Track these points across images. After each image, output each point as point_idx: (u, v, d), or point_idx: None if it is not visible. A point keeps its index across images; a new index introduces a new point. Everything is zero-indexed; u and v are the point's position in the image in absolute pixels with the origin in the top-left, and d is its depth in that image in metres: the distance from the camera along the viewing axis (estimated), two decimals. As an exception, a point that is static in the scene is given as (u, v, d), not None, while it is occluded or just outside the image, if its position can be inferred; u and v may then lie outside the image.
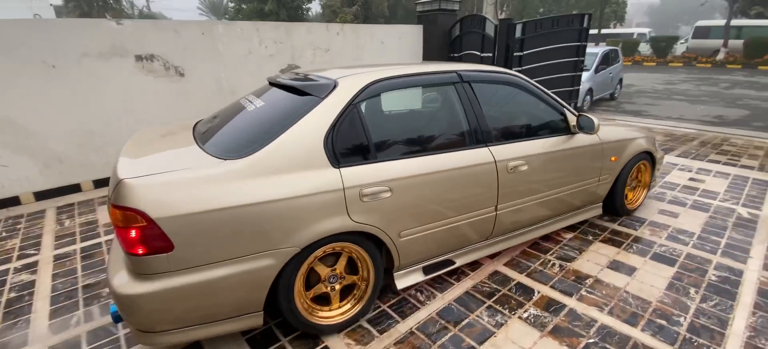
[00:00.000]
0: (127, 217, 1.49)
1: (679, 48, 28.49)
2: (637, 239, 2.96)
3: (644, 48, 27.67)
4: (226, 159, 1.71)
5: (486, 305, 2.27)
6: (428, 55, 7.31)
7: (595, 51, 10.02)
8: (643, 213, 3.40)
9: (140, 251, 1.51)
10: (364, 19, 25.32)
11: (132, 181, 1.51)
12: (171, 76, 4.66)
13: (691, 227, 3.13)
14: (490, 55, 6.36)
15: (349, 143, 1.92)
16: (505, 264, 2.67)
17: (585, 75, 9.02)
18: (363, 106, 2.00)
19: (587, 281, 2.46)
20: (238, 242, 1.64)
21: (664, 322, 2.08)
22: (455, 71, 2.36)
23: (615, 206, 3.19)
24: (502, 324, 2.10)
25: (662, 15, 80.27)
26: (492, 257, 2.75)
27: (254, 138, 1.82)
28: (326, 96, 1.92)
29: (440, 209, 2.16)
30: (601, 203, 3.19)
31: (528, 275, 2.54)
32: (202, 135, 2.08)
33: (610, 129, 3.00)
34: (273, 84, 2.38)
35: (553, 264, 2.66)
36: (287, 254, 1.74)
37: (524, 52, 6.23)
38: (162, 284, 1.55)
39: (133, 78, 4.43)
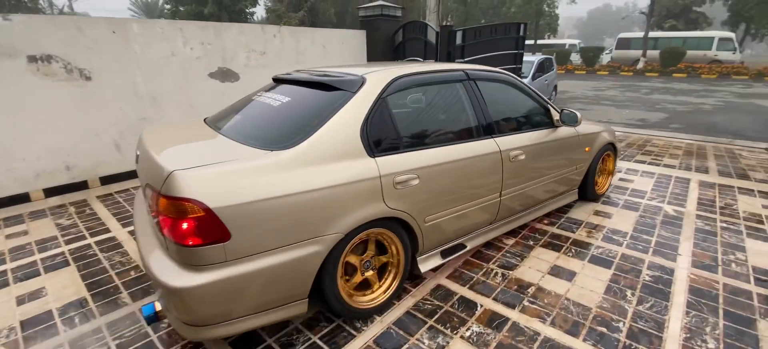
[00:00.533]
0: (180, 208, 1.48)
1: (605, 58, 31.16)
2: (575, 242, 2.96)
3: (575, 57, 29.94)
4: (272, 150, 1.75)
5: (427, 325, 2.09)
6: (373, 61, 7.18)
7: (532, 59, 10.51)
8: (578, 215, 3.45)
9: (196, 242, 1.50)
10: (311, 25, 24.87)
11: (186, 172, 1.51)
12: (74, 79, 4.05)
13: (624, 227, 3.21)
14: (433, 61, 6.35)
15: (381, 134, 2.03)
16: (448, 277, 2.52)
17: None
18: (389, 100, 2.12)
19: (529, 289, 2.38)
20: (288, 229, 1.68)
21: (604, 329, 2.03)
22: (462, 70, 2.60)
23: (587, 191, 3.62)
24: (443, 346, 1.93)
25: (589, 28, 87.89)
26: (435, 269, 2.60)
27: (295, 130, 1.87)
28: (357, 90, 2.03)
29: (457, 195, 2.34)
30: (576, 189, 3.60)
31: (471, 288, 2.40)
32: (229, 129, 2.12)
33: (582, 124, 3.27)
34: (286, 81, 2.50)
35: (496, 274, 2.56)
36: (332, 241, 1.80)
37: (465, 59, 6.29)
38: (218, 274, 1.54)
39: (25, 81, 3.79)
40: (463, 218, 2.43)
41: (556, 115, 3.04)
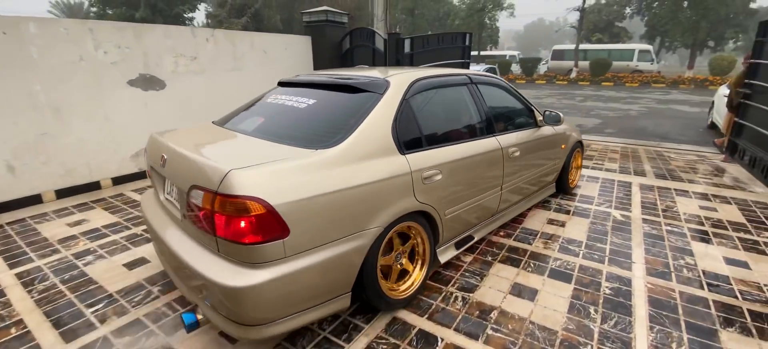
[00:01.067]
0: (241, 206, 1.47)
1: (542, 68, 33.29)
2: (533, 256, 2.84)
3: (515, 67, 31.63)
4: (316, 149, 1.77)
5: (382, 369, 1.80)
6: (319, 68, 6.84)
7: (478, 69, 10.78)
8: (533, 225, 3.37)
9: (257, 240, 1.50)
10: (256, 31, 23.85)
11: (244, 170, 1.52)
12: (-55, 88, 3.31)
13: (578, 236, 3.16)
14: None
15: (407, 133, 2.13)
16: (406, 306, 2.26)
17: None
18: (411, 101, 2.23)
19: (492, 314, 2.18)
20: (338, 224, 1.72)
21: (573, 355, 1.87)
22: (466, 74, 2.83)
23: (563, 184, 4.03)
24: (401, 396, 1.66)
25: (526, 40, 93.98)
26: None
27: (334, 129, 1.93)
28: (384, 92, 2.12)
29: (469, 189, 2.51)
30: (554, 183, 3.97)
31: (430, 318, 2.15)
32: (257, 130, 2.14)
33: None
34: (297, 84, 2.59)
35: (456, 298, 2.33)
36: (374, 234, 1.87)
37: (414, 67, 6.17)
38: (277, 271, 1.55)
39: None
40: (473, 210, 2.61)
41: (539, 116, 3.36)
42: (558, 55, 31.84)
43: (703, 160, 5.89)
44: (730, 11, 24.89)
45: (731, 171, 5.16)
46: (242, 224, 1.48)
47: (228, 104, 3.47)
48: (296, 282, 1.61)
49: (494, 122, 2.83)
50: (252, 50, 5.78)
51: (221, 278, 1.51)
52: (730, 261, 2.76)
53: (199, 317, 1.67)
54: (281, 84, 2.75)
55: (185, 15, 30.02)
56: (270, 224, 1.50)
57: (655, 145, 7.41)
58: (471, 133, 2.64)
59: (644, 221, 3.46)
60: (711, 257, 2.82)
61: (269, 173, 1.57)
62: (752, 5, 27.41)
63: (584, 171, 5.01)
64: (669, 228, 3.31)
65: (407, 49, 5.99)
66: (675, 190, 4.32)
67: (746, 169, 5.12)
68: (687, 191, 4.27)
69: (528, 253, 2.88)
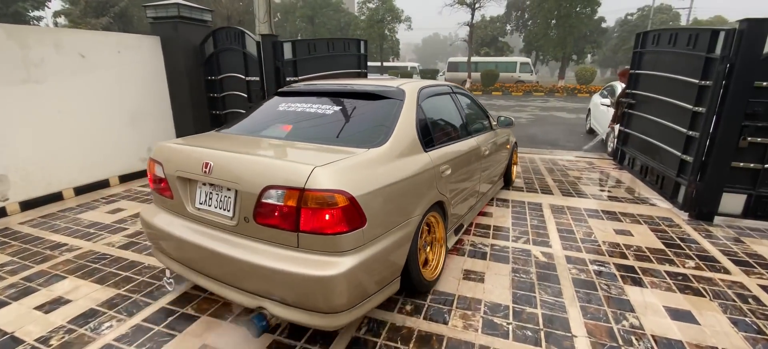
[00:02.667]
0: (328, 200, 1.59)
1: (440, 79, 35.00)
2: (452, 345, 1.99)
3: (417, 78, 32.66)
4: (366, 148, 1.95)
5: None
6: (175, 78, 5.33)
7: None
8: (447, 283, 2.56)
9: (342, 229, 1.62)
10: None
11: (327, 167, 1.66)
12: None
13: (502, 296, 2.42)
14: (257, 78, 4.96)
15: (424, 134, 2.39)
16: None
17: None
18: (422, 106, 2.51)
19: None
20: (395, 213, 1.94)
21: None
22: (448, 84, 3.26)
23: (507, 178, 4.55)
24: None
25: (425, 53, 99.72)
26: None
27: (374, 131, 2.14)
28: (404, 98, 2.38)
29: (464, 181, 2.90)
30: (503, 178, 4.40)
31: None
32: (291, 135, 2.26)
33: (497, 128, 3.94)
34: (300, 94, 2.69)
35: None
36: (416, 222, 2.12)
37: (300, 77, 5.10)
38: (358, 257, 1.68)
39: None
40: (465, 201, 2.98)
41: (493, 121, 3.87)
42: (453, 67, 33.75)
43: (596, 169, 5.94)
44: (588, 29, 29.07)
45: (625, 181, 5.17)
46: (327, 216, 1.59)
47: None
48: (370, 267, 1.75)
49: (470, 125, 3.27)
50: (58, 53, 4.08)
51: (309, 270, 1.58)
52: (674, 314, 2.26)
53: (269, 316, 1.70)
54: (280, 94, 2.82)
55: (29, 13, 24.38)
56: (352, 215, 1.64)
57: (548, 153, 7.53)
58: (461, 134, 3.02)
59: (568, 259, 2.91)
60: (652, 310, 2.29)
61: (346, 169, 1.72)
62: (603, 25, 32.47)
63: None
64: (597, 268, 2.79)
65: (288, 54, 4.90)
66: (585, 210, 3.98)
67: (638, 178, 5.16)
68: (597, 211, 3.95)
69: (443, 341, 2.01)
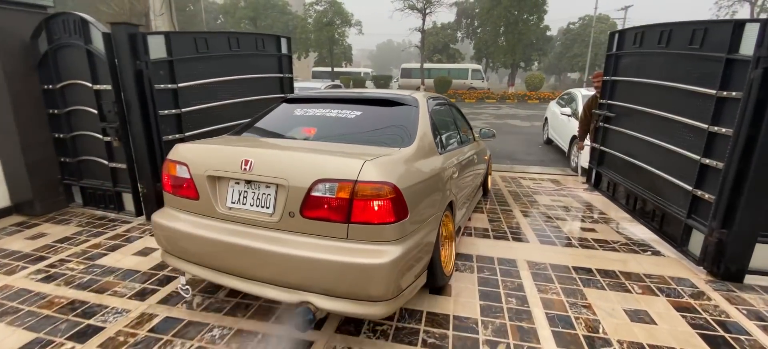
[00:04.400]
0: (379, 191, 1.71)
1: (394, 85, 34.18)
2: None
3: (369, 84, 31.49)
4: (399, 147, 2.09)
5: None
6: (-7, 87, 3.60)
7: (315, 86, 8.76)
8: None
9: (390, 219, 1.73)
10: None
11: (376, 161, 1.77)
12: None
13: None
14: (109, 87, 3.39)
15: (436, 138, 2.53)
16: None
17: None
18: (432, 114, 2.65)
19: None
20: (427, 207, 2.06)
21: None
22: (444, 97, 3.41)
23: (485, 189, 4.71)
24: None
25: (380, 59, 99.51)
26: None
27: (399, 132, 2.28)
28: (418, 105, 2.54)
29: (463, 186, 3.07)
30: (482, 188, 4.49)
31: None
32: (318, 136, 2.35)
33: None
34: (314, 100, 2.84)
35: None
36: (440, 217, 2.27)
37: (180, 85, 3.61)
38: (404, 246, 1.78)
39: None
40: (463, 204, 3.17)
41: (476, 133, 4.02)
42: (406, 73, 33.08)
43: (566, 192, 4.98)
44: (534, 37, 29.61)
45: (607, 211, 4.20)
46: (376, 206, 1.71)
47: None
48: (412, 257, 1.85)
49: (462, 135, 3.47)
50: None
51: (361, 259, 1.66)
52: None
53: (314, 309, 1.71)
54: (288, 100, 2.89)
55: None
56: (398, 206, 1.75)
57: (509, 168, 6.64)
58: (460, 141, 3.28)
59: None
60: None
61: (391, 163, 1.85)
62: (548, 33, 33.36)
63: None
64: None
65: (158, 53, 3.40)
66: (575, 269, 2.86)
67: (622, 207, 4.21)
68: (591, 272, 2.85)
69: None
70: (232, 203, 1.96)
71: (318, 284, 1.71)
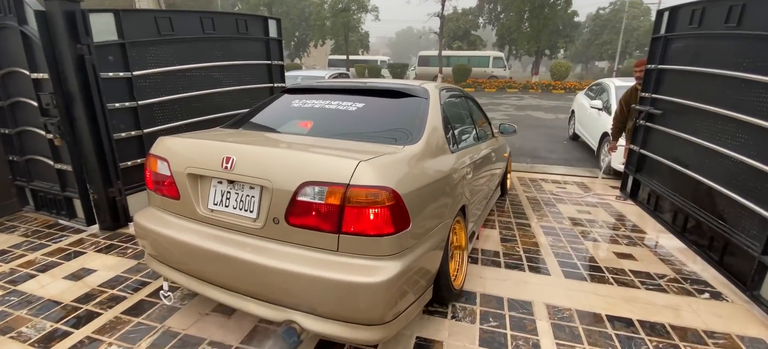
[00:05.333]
0: (376, 197, 1.46)
1: (412, 73, 33.21)
2: None
3: (385, 73, 30.64)
4: (403, 145, 1.83)
5: None
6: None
7: (320, 74, 8.15)
8: None
9: (389, 231, 1.48)
10: None
11: (373, 161, 1.52)
12: None
13: None
14: (47, 76, 2.88)
15: (448, 134, 2.25)
16: None
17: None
18: (444, 107, 2.36)
19: None
20: (432, 215, 1.79)
21: None
22: (459, 89, 3.08)
23: (504, 189, 4.24)
24: None
25: (399, 47, 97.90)
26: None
27: (405, 127, 2.02)
28: (429, 97, 2.25)
29: (479, 187, 2.77)
30: (500, 186, 3.98)
31: None
32: (314, 130, 2.12)
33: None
34: (314, 90, 2.58)
35: None
36: (448, 226, 1.99)
37: (136, 74, 3.07)
38: (405, 261, 1.54)
39: None
40: (477, 206, 2.81)
41: (495, 128, 3.70)
42: (424, 61, 32.03)
43: (596, 201, 4.24)
44: (561, 23, 28.00)
45: (647, 230, 3.45)
46: (372, 215, 1.46)
47: None
48: (413, 274, 1.61)
49: (479, 130, 3.12)
50: None
51: (352, 276, 1.43)
52: None
53: (299, 329, 1.52)
54: (287, 91, 2.66)
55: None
56: (398, 215, 1.50)
57: (529, 169, 5.91)
58: (475, 138, 2.91)
59: None
60: None
61: (390, 164, 1.59)
62: (576, 18, 31.56)
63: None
64: None
65: (105, 35, 2.87)
66: (610, 319, 2.18)
67: (667, 227, 3.45)
68: (632, 326, 2.15)
69: None
70: (214, 204, 1.77)
71: (304, 302, 1.51)
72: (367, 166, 1.48)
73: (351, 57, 32.34)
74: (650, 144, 3.78)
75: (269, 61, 4.52)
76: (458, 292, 2.27)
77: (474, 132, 2.97)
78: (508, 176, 4.47)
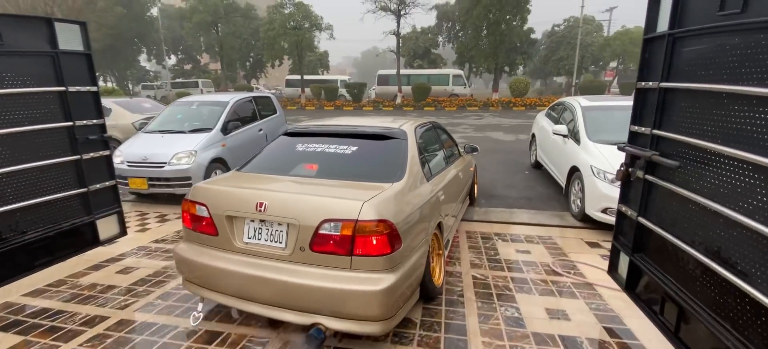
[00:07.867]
0: (377, 228, 2.04)
1: (371, 93, 31.92)
2: None
3: (343, 92, 29.12)
4: (391, 182, 2.41)
5: None
6: None
7: (220, 100, 6.42)
8: None
9: (387, 251, 2.06)
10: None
11: (372, 201, 2.11)
12: None
13: None
14: None
15: (424, 166, 2.88)
16: None
17: (201, 138, 5.21)
18: (419, 143, 3.01)
19: None
20: (417, 235, 2.40)
21: None
22: (430, 122, 3.78)
23: (472, 198, 4.98)
24: None
25: (365, 67, 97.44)
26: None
27: (391, 167, 2.61)
28: (406, 138, 2.87)
29: (451, 204, 3.40)
30: (469, 196, 4.74)
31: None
32: (320, 173, 2.68)
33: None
34: (315, 134, 3.13)
35: None
36: (429, 241, 2.59)
37: None
38: (399, 273, 2.13)
39: None
40: (450, 220, 3.44)
41: (461, 148, 4.41)
42: (383, 80, 30.89)
43: (579, 291, 2.73)
44: (518, 40, 27.72)
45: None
46: (375, 241, 2.03)
47: None
48: (406, 280, 2.19)
49: (447, 154, 3.77)
50: None
51: (363, 286, 2.02)
52: None
53: (324, 328, 2.07)
54: (290, 134, 3.20)
55: None
56: (393, 239, 2.09)
57: (483, 217, 4.51)
58: (445, 163, 3.54)
59: None
60: None
61: (384, 201, 2.17)
62: (532, 35, 31.64)
63: None
64: None
65: None
66: None
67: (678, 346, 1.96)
68: None
69: None
70: (248, 238, 2.29)
71: (327, 308, 2.06)
72: (369, 206, 2.07)
73: (309, 77, 30.67)
74: (654, 211, 2.31)
75: (62, 88, 2.82)
76: (439, 288, 2.85)
77: (443, 154, 3.62)
78: (476, 187, 5.25)
